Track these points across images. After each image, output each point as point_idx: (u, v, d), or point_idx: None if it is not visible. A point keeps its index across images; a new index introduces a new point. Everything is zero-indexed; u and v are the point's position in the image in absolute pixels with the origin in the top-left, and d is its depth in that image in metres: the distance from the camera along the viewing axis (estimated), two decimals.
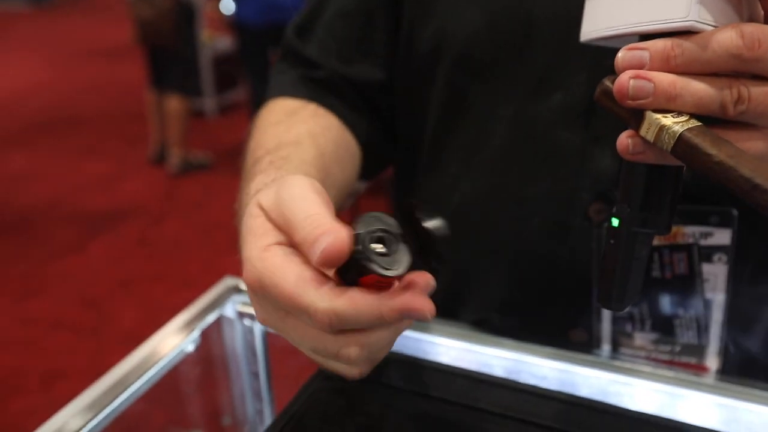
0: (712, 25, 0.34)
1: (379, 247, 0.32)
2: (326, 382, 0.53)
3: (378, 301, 0.32)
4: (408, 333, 0.59)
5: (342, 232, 0.32)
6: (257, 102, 3.39)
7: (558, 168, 0.54)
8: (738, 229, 0.48)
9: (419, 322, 0.61)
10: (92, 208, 3.48)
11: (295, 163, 0.51)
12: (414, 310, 0.32)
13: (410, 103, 0.64)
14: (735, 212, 0.48)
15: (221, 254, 3.00)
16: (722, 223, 0.48)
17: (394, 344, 0.58)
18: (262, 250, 0.34)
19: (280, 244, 0.35)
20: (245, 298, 0.66)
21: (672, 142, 0.34)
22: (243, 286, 0.67)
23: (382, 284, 0.32)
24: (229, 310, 0.66)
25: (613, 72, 0.51)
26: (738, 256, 0.49)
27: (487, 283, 0.60)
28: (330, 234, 0.31)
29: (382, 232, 0.32)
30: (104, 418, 0.52)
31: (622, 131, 0.52)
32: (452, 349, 0.58)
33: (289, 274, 0.33)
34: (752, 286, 0.51)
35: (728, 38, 0.33)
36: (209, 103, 4.84)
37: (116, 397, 0.53)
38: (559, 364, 0.55)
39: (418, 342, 0.59)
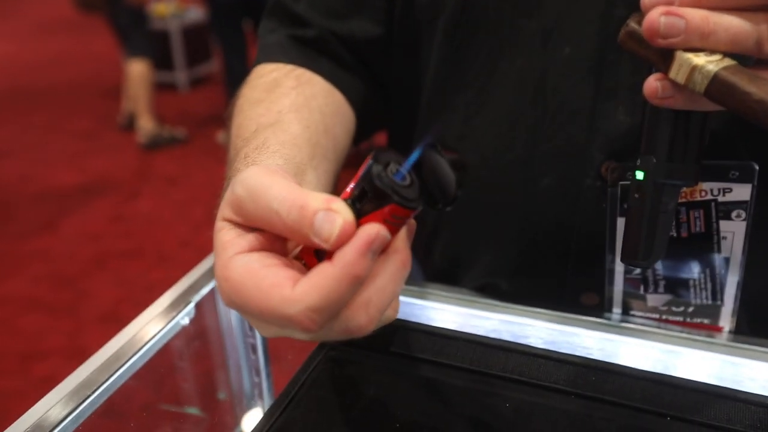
0: None
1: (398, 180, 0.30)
2: (332, 351, 0.51)
3: (340, 266, 0.28)
4: (413, 300, 0.58)
5: (332, 204, 0.29)
6: (231, 74, 3.32)
7: (568, 125, 0.52)
8: (758, 184, 0.47)
9: (423, 290, 0.59)
10: (63, 185, 3.39)
11: (272, 148, 0.47)
12: (373, 239, 0.28)
13: (408, 60, 0.61)
14: (756, 166, 0.46)
15: (198, 230, 2.95)
16: (742, 178, 0.46)
17: (401, 312, 0.56)
18: (224, 268, 0.32)
19: (241, 252, 0.32)
20: None
21: (706, 82, 0.32)
22: None
23: (395, 219, 0.30)
24: None
25: (624, 24, 0.49)
26: (757, 213, 0.48)
27: (494, 247, 0.58)
28: (327, 214, 0.29)
29: (397, 164, 0.30)
30: (98, 396, 0.49)
31: (635, 85, 0.50)
32: (459, 315, 0.57)
33: (252, 290, 0.30)
34: None
35: None
36: (180, 76, 4.73)
37: (111, 374, 0.50)
38: (568, 328, 0.54)
39: (424, 309, 0.57)
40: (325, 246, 0.29)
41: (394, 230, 0.30)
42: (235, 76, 3.65)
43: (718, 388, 0.46)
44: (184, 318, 0.58)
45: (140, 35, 3.74)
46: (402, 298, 0.57)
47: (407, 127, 0.63)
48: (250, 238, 0.33)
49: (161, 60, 4.26)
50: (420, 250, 0.65)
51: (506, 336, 0.54)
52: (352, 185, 0.30)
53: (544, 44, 0.51)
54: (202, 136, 3.98)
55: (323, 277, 0.29)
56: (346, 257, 0.28)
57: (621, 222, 0.51)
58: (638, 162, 0.38)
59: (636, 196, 0.38)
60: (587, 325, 0.53)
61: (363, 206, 0.30)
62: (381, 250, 0.30)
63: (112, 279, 2.62)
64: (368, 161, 0.30)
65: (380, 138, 0.71)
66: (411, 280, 0.65)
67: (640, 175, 0.38)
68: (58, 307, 2.46)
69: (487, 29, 0.53)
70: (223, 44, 3.64)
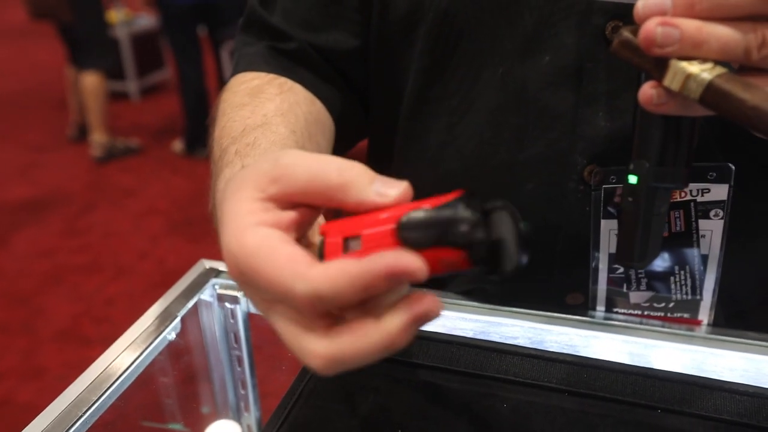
0: None
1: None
2: None
3: (360, 268, 0.27)
4: None
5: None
6: (185, 83, 3.26)
7: (550, 131, 0.53)
8: (734, 184, 0.49)
9: None
10: (13, 199, 3.28)
11: (263, 146, 0.47)
12: (401, 270, 0.27)
13: (386, 71, 0.61)
14: (732, 167, 0.49)
15: (157, 241, 2.90)
16: (719, 179, 0.49)
17: None
18: (241, 232, 0.31)
19: (263, 224, 0.31)
20: (225, 280, 0.62)
21: (701, 89, 0.33)
22: (222, 268, 0.64)
23: (443, 266, 0.28)
24: (207, 294, 0.62)
25: (601, 32, 0.51)
26: (733, 212, 0.50)
27: None
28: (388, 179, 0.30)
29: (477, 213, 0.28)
30: (90, 416, 0.48)
31: (612, 92, 0.52)
32: (448, 319, 0.57)
33: (266, 258, 0.29)
34: (746, 241, 0.52)
35: None
36: (132, 85, 4.63)
37: (101, 394, 0.49)
38: (555, 327, 0.55)
39: None
40: (384, 199, 0.29)
41: (431, 270, 0.28)
42: (190, 85, 3.59)
43: (704, 379, 0.48)
44: (170, 333, 0.57)
45: (99, 46, 3.64)
46: None
47: (387, 137, 0.63)
48: (275, 215, 0.31)
49: (111, 69, 4.17)
50: None
51: (495, 337, 0.55)
52: (414, 211, 0.29)
53: (524, 53, 0.53)
54: (157, 146, 3.91)
55: (342, 272, 0.27)
56: (377, 263, 0.27)
57: (605, 223, 0.52)
58: (631, 167, 0.39)
59: (630, 199, 0.40)
60: (573, 324, 0.55)
61: (419, 237, 0.28)
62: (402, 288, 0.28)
63: (69, 294, 2.55)
64: (454, 197, 0.29)
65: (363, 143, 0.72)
66: None
67: (633, 179, 0.39)
68: (11, 325, 2.37)
69: (469, 39, 0.54)
70: (176, 52, 3.58)
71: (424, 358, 0.51)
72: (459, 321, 0.57)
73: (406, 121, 0.61)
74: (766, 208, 0.52)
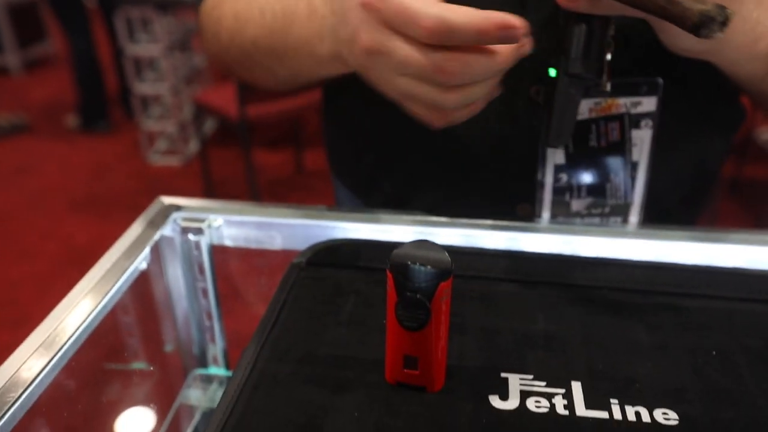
0: None
1: None
2: (303, 272, 0.54)
3: (480, 14, 0.38)
4: (369, 224, 0.61)
5: None
6: (77, 56, 3.10)
7: None
8: (662, 97, 0.55)
9: (375, 215, 0.62)
10: None
11: None
12: (510, 26, 0.39)
13: None
14: (661, 81, 0.55)
15: (61, 218, 2.75)
16: (649, 92, 0.55)
17: (359, 234, 0.60)
18: None
19: None
20: (188, 213, 0.63)
21: None
22: (183, 203, 0.64)
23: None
24: (169, 229, 0.63)
25: None
26: (660, 122, 0.57)
27: (440, 171, 0.63)
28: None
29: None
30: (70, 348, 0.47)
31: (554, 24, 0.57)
32: (409, 233, 0.61)
33: None
34: (668, 147, 0.60)
35: None
36: (12, 58, 4.32)
37: (78, 327, 0.48)
38: (509, 233, 0.60)
39: (380, 232, 0.61)
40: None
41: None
42: (81, 56, 3.40)
43: (631, 261, 0.55)
44: (142, 263, 0.58)
45: None
46: (357, 224, 0.61)
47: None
48: None
49: None
50: (364, 188, 0.70)
51: (462, 243, 0.60)
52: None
53: None
54: (47, 122, 3.69)
55: (467, 10, 0.38)
56: (487, 17, 0.38)
57: None
58: (552, 61, 0.46)
59: (549, 88, 0.46)
60: (524, 229, 0.60)
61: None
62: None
63: None
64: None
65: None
66: (360, 208, 0.69)
67: (552, 72, 0.46)
68: None
69: None
70: (63, 23, 3.37)
71: None
72: (424, 236, 0.61)
73: None
74: (684, 119, 0.60)
